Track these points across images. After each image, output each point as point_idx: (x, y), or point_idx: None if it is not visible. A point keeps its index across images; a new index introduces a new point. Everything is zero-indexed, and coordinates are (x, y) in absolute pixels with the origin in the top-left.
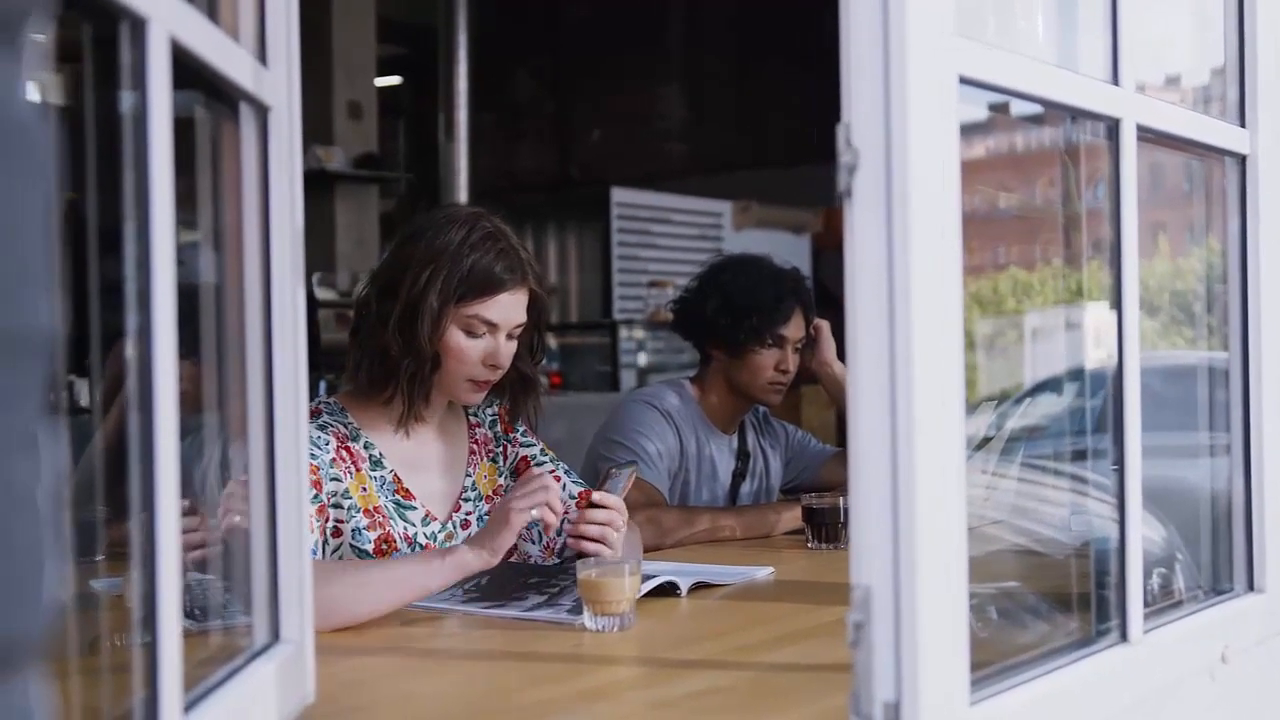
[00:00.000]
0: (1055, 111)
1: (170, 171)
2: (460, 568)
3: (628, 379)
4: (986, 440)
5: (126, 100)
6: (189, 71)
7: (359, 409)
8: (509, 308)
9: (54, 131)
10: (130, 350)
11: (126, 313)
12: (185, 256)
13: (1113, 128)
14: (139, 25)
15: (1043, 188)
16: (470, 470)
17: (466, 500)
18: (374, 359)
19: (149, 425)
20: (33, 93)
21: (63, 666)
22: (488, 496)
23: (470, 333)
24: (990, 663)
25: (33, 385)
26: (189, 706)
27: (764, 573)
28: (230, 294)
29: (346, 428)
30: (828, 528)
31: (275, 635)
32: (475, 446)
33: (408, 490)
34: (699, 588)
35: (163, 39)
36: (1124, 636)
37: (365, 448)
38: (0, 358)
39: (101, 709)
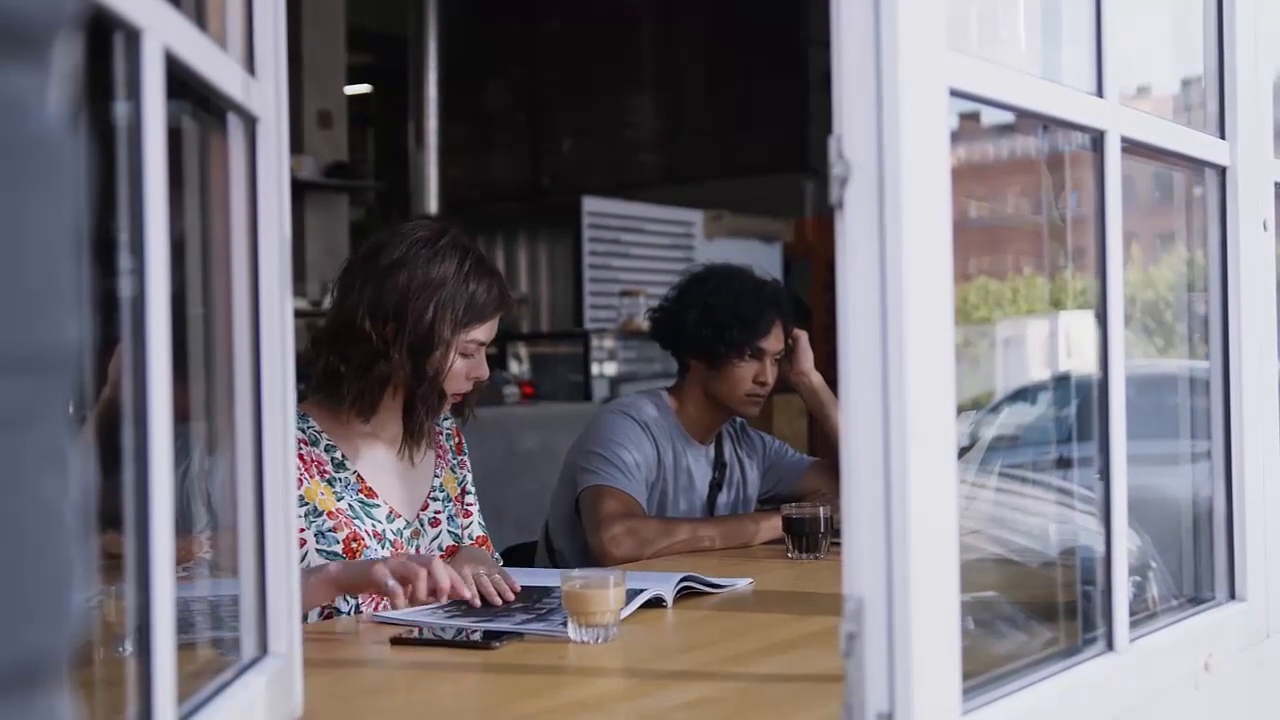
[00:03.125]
0: (1029, 121)
1: (164, 181)
2: (328, 583)
3: (599, 389)
4: (964, 450)
5: (119, 110)
6: (178, 81)
7: (325, 415)
8: (495, 327)
9: (81, 145)
10: (125, 361)
11: (112, 322)
12: (170, 267)
13: (1097, 139)
14: (133, 36)
15: (1014, 197)
16: (438, 472)
17: (435, 499)
18: (374, 385)
19: (143, 436)
20: (60, 106)
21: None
22: (455, 498)
23: (464, 355)
24: (981, 672)
25: (61, 401)
26: None
27: (744, 583)
28: (217, 305)
29: (305, 432)
30: (808, 538)
31: (264, 649)
32: (441, 451)
33: (371, 489)
34: (684, 596)
35: (157, 49)
36: (1110, 645)
37: (326, 451)
38: (30, 373)
39: None
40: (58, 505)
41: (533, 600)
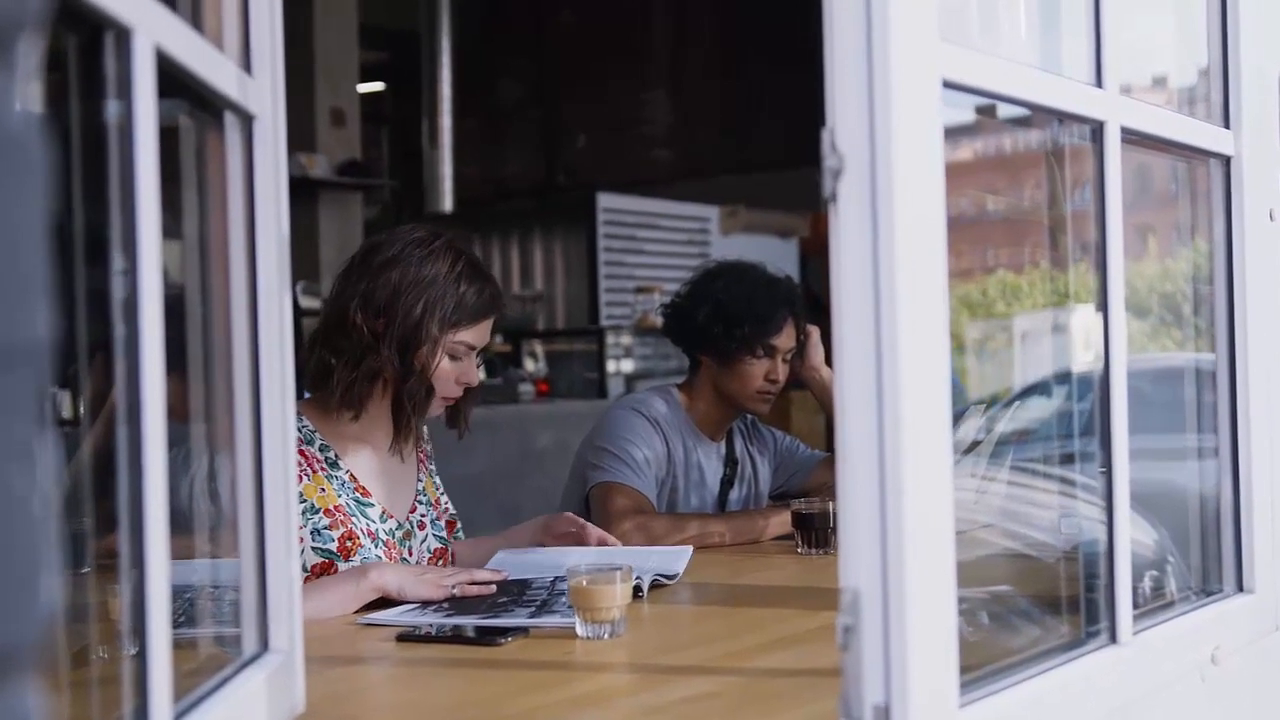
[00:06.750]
0: (1040, 114)
1: (156, 180)
2: (378, 590)
3: (615, 386)
4: (976, 444)
5: (111, 109)
6: (173, 80)
7: (319, 414)
8: (487, 332)
9: (48, 143)
10: (118, 361)
11: (113, 323)
12: (168, 267)
13: (1097, 130)
14: (124, 35)
15: (1030, 190)
16: (420, 477)
17: (421, 503)
18: (363, 378)
19: (137, 436)
20: (27, 104)
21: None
22: (434, 503)
23: (453, 357)
24: (980, 665)
25: (29, 395)
26: (179, 716)
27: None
28: (216, 304)
29: (300, 432)
30: (817, 533)
31: (264, 645)
32: (423, 457)
33: (364, 488)
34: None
35: (148, 48)
36: (1113, 638)
37: (321, 450)
38: None
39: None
40: (25, 497)
41: (516, 595)
